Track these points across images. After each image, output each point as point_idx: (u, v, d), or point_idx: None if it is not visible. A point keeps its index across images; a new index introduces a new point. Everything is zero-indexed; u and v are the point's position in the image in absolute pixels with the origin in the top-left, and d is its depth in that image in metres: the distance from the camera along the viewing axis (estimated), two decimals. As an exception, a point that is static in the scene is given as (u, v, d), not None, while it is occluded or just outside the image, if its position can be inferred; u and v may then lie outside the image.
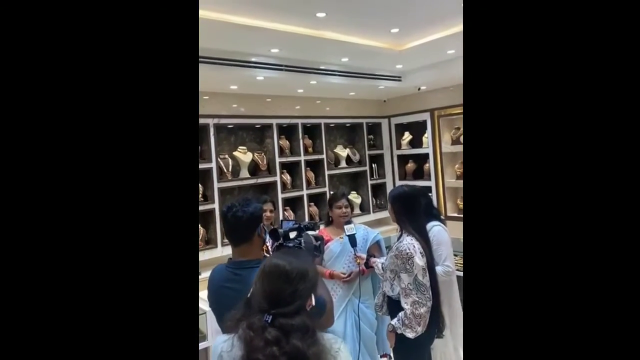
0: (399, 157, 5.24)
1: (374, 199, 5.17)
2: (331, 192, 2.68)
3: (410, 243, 1.78)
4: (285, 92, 4.25)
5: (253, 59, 3.23)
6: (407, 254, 1.75)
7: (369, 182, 5.13)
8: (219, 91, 3.80)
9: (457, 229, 4.60)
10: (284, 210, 4.30)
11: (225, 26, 2.58)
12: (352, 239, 2.31)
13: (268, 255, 1.59)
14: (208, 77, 3.07)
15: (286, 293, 1.07)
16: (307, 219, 4.41)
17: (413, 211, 1.87)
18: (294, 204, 4.43)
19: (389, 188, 5.25)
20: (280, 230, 1.56)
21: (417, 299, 1.71)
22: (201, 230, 3.68)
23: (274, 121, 4.22)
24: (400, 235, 1.90)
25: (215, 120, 3.77)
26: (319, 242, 1.73)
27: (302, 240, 1.61)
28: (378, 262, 2.18)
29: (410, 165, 5.15)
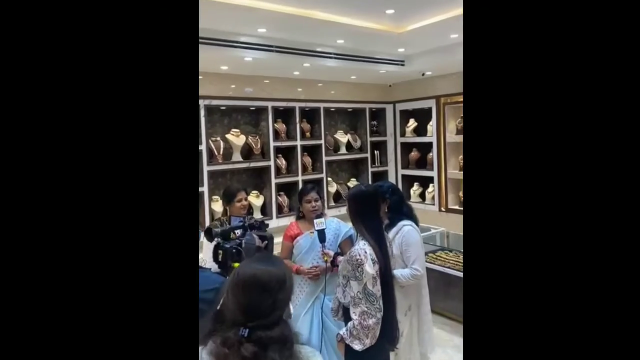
0: (403, 144, 5.04)
1: (374, 187, 5.02)
2: (301, 186, 2.57)
3: (362, 249, 1.65)
4: (282, 74, 4.10)
5: (241, 39, 3.09)
6: (357, 260, 1.62)
7: (370, 170, 4.97)
8: (211, 71, 3.68)
9: (457, 223, 4.43)
10: (278, 195, 4.21)
11: (209, 4, 2.44)
12: (321, 234, 2.19)
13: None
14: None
15: (265, 304, 0.97)
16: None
17: (369, 213, 1.72)
18: (288, 189, 4.33)
19: (391, 176, 5.09)
20: (217, 230, 1.47)
21: (365, 309, 1.59)
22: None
23: (270, 104, 4.09)
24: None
25: (207, 102, 3.67)
26: (266, 242, 1.63)
27: (243, 241, 1.52)
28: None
29: (414, 154, 4.95)
